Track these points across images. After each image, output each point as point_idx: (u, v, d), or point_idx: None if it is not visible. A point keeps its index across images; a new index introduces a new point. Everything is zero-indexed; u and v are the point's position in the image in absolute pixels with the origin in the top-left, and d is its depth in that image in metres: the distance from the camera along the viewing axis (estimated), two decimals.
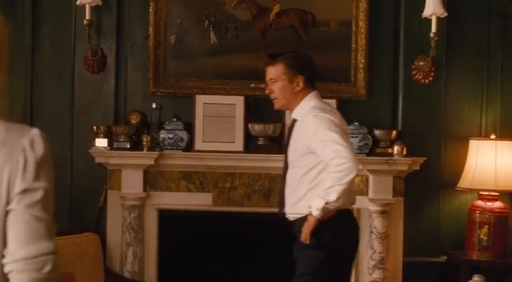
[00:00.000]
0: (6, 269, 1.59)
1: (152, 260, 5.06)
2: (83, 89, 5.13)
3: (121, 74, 5.18)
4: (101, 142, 4.94)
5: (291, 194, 3.91)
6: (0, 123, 1.64)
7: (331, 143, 3.66)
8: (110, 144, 4.95)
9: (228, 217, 5.11)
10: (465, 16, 5.27)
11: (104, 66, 5.07)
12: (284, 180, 3.98)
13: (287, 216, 3.94)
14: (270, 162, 4.97)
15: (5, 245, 1.59)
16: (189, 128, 5.04)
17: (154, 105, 5.06)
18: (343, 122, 3.92)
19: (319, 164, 3.76)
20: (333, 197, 3.62)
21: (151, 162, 4.91)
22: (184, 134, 4.98)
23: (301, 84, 3.88)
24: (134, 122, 5.07)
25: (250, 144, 5.08)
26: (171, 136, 4.96)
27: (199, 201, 5.04)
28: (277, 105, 4.02)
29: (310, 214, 3.68)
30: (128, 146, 4.96)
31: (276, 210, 4.83)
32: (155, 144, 4.96)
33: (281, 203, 3.99)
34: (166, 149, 4.97)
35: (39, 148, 1.63)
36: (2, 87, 1.68)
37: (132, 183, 4.96)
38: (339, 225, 3.76)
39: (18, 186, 1.60)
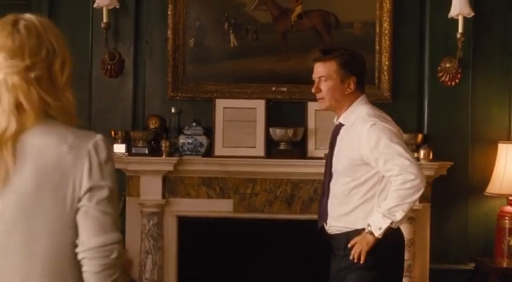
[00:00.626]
0: (79, 256, 1.86)
1: (172, 268, 5.02)
2: (100, 93, 5.12)
3: (139, 78, 5.17)
4: (119, 148, 4.90)
5: (336, 206, 3.60)
6: (70, 129, 1.90)
7: (395, 156, 3.40)
8: (128, 149, 4.93)
9: (249, 224, 5.05)
10: (492, 16, 5.21)
11: (121, 70, 5.06)
12: (327, 190, 3.66)
13: (328, 228, 3.65)
14: (292, 167, 4.94)
15: (76, 236, 1.86)
16: (209, 132, 5.00)
17: (173, 110, 5.04)
18: (400, 131, 3.66)
19: (373, 176, 3.49)
20: (399, 216, 3.38)
21: (171, 168, 4.88)
22: (204, 139, 4.95)
23: (352, 86, 3.58)
24: (153, 127, 5.05)
25: (272, 149, 5.03)
26: (190, 141, 4.92)
27: (219, 207, 5.00)
28: (323, 105, 3.67)
29: (370, 233, 3.42)
30: (147, 152, 4.93)
31: (298, 217, 4.93)
32: (174, 150, 4.92)
33: (323, 215, 3.67)
34: (186, 154, 4.93)
35: (103, 151, 1.89)
36: (72, 102, 1.94)
37: (151, 189, 4.92)
38: (392, 241, 3.53)
39: (85, 185, 1.86)
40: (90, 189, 1.86)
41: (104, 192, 1.87)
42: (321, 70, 3.62)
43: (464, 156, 5.13)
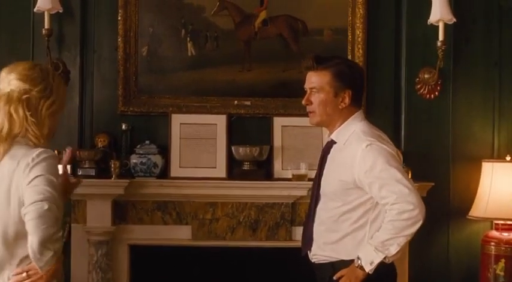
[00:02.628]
0: (25, 217, 2.85)
1: None
2: None
3: (86, 91, 5.07)
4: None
5: (322, 233, 3.49)
6: (26, 149, 2.92)
7: (391, 182, 3.29)
8: (73, 171, 4.81)
9: (210, 253, 4.95)
10: (474, 23, 5.20)
11: (66, 82, 4.92)
12: (313, 215, 3.56)
13: (311, 257, 3.57)
14: (257, 190, 4.85)
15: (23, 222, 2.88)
16: (164, 151, 4.91)
17: (124, 126, 4.97)
18: (399, 154, 3.57)
19: (366, 202, 3.39)
20: (393, 250, 3.28)
21: (121, 191, 4.76)
22: (158, 159, 4.87)
23: (347, 100, 3.48)
24: (101, 146, 4.95)
25: (234, 170, 4.97)
26: (143, 161, 4.85)
27: (176, 235, 4.89)
28: (314, 120, 3.59)
29: (360, 267, 3.31)
30: (94, 173, 4.84)
31: (263, 244, 4.92)
32: (125, 171, 4.86)
33: (307, 242, 3.59)
34: (138, 176, 4.86)
35: (35, 159, 2.87)
36: (46, 130, 3.02)
37: (99, 215, 4.81)
38: (385, 277, 3.40)
39: (24, 184, 2.86)
40: (28, 183, 2.84)
41: (35, 178, 2.83)
42: (313, 81, 3.53)
43: (445, 176, 5.11)
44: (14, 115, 2.93)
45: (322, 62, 3.51)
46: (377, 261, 3.29)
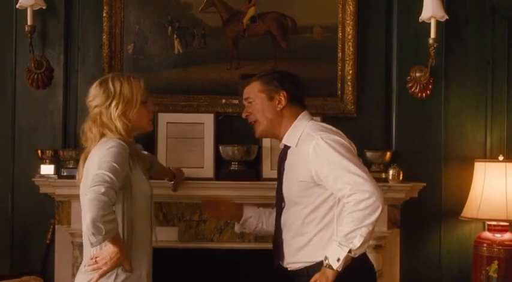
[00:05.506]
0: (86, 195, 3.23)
1: None
2: (25, 106, 4.97)
3: (70, 89, 5.02)
4: (47, 169, 4.78)
5: (291, 239, 3.52)
6: (105, 142, 3.44)
7: (345, 173, 3.29)
8: (58, 171, 4.79)
9: (197, 255, 4.92)
10: (466, 20, 5.20)
11: (50, 80, 4.95)
12: (279, 224, 3.63)
13: (287, 266, 3.60)
14: (245, 190, 4.80)
15: None
16: (151, 151, 4.78)
17: None
18: (352, 145, 3.54)
19: (328, 199, 3.41)
20: (357, 242, 3.24)
21: None
22: None
23: (283, 100, 3.55)
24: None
25: (222, 170, 4.93)
26: None
27: (162, 236, 4.73)
28: (259, 130, 3.66)
29: (328, 266, 3.30)
30: None
31: (252, 246, 4.89)
32: None
33: (278, 253, 3.62)
34: None
35: (105, 149, 3.37)
36: (120, 126, 3.50)
37: None
38: (361, 274, 3.41)
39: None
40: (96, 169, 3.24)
41: (101, 164, 3.24)
42: (246, 92, 3.67)
43: (437, 177, 5.10)
44: (90, 134, 3.49)
45: (250, 76, 3.74)
46: (343, 256, 3.27)
